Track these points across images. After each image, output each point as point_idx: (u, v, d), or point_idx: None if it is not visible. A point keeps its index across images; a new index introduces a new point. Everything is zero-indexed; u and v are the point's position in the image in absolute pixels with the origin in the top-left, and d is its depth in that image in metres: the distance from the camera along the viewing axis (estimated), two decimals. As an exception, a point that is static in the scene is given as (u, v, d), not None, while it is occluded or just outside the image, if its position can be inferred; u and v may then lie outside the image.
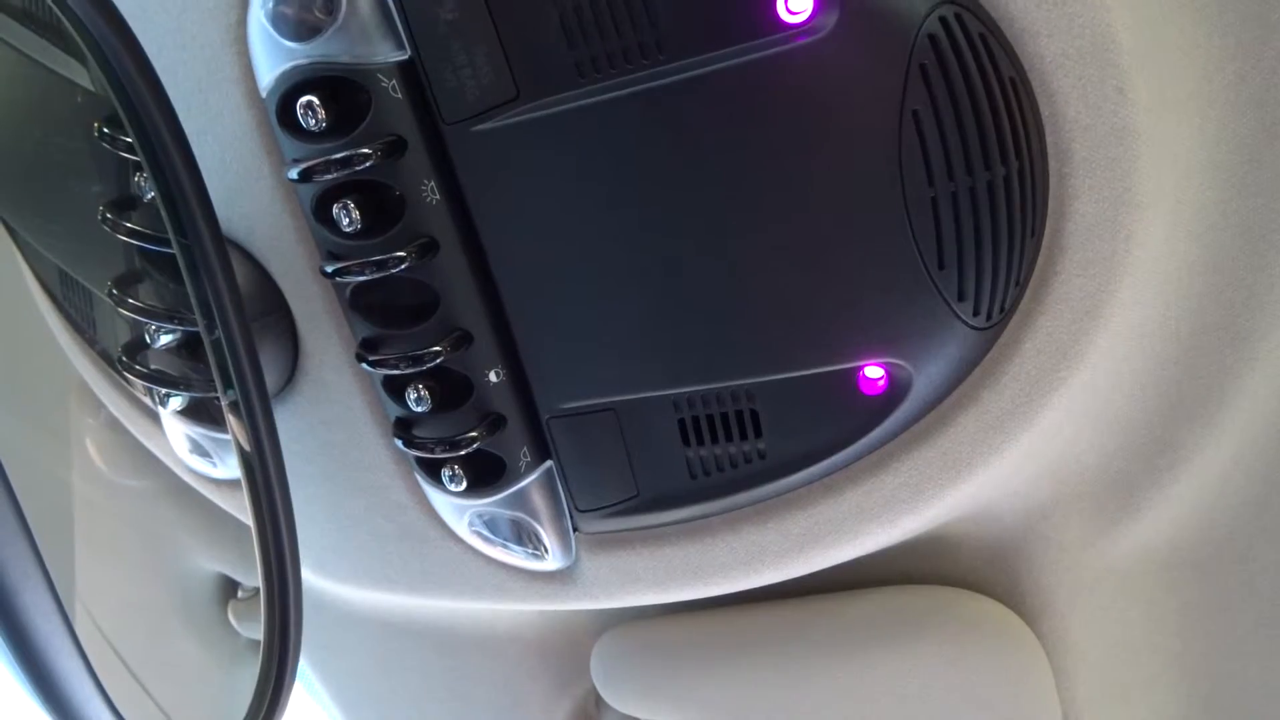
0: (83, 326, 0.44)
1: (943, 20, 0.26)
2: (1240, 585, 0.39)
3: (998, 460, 0.31)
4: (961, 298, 0.28)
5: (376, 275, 0.30)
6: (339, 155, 0.29)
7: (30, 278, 0.44)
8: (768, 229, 0.28)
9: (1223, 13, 0.29)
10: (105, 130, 0.35)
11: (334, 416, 0.38)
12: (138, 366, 0.38)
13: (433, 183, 0.30)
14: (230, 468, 0.44)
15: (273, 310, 0.37)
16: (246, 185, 0.34)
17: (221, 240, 0.31)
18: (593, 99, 0.28)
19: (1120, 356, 0.31)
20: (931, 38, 0.26)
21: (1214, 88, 0.30)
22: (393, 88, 0.30)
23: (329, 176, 0.30)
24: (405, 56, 0.29)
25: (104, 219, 0.35)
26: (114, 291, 0.36)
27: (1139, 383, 0.33)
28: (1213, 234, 0.31)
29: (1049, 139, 0.27)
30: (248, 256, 0.36)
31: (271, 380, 0.39)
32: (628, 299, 0.30)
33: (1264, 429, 0.36)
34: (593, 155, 0.29)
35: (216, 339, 0.32)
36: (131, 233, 0.34)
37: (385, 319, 0.33)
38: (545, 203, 0.30)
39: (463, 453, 0.33)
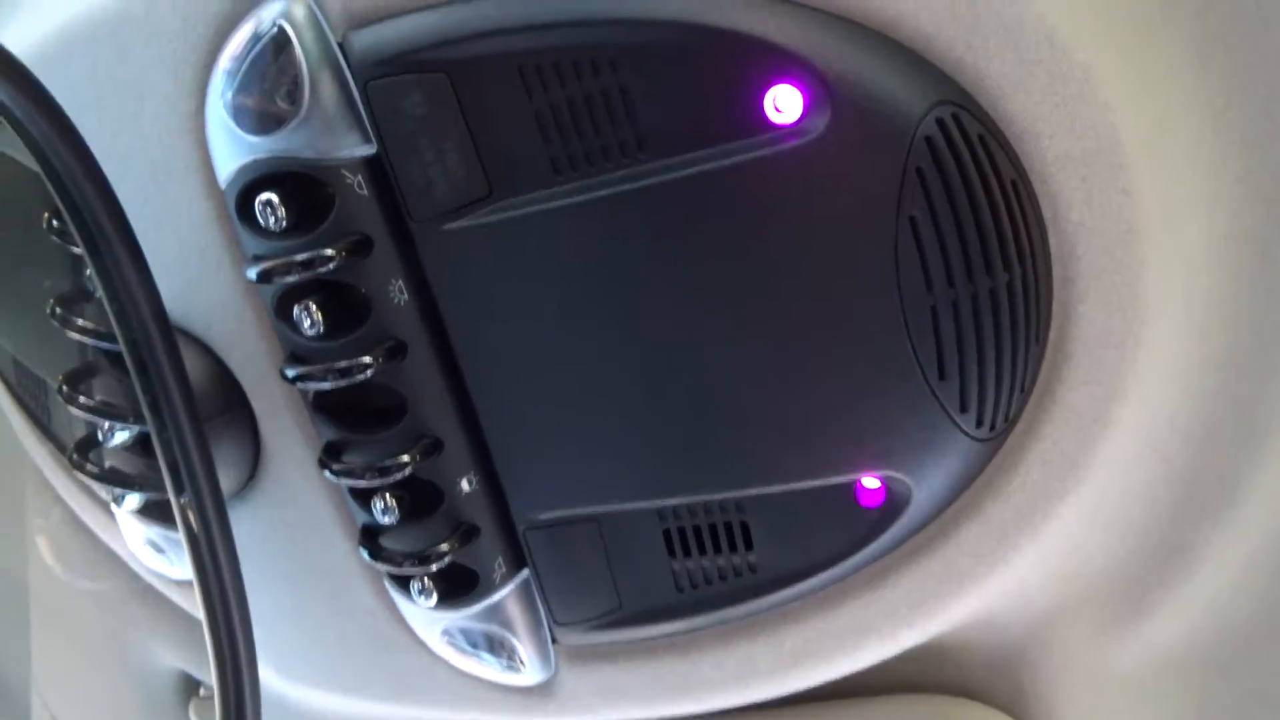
0: (38, 415, 0.42)
1: (940, 122, 0.24)
2: (1255, 688, 0.37)
3: (1002, 572, 0.30)
4: (964, 409, 0.26)
5: (340, 383, 0.28)
6: (301, 257, 0.27)
7: None
8: (757, 336, 0.27)
9: (1228, 108, 0.28)
10: (54, 222, 0.33)
11: (298, 518, 0.35)
12: (89, 466, 0.36)
13: (400, 282, 0.29)
14: (188, 567, 0.42)
15: (232, 406, 0.35)
16: (205, 278, 0.33)
17: (171, 338, 0.29)
18: (570, 199, 0.27)
19: (1129, 461, 0.30)
20: (929, 140, 0.24)
21: (1221, 183, 0.28)
22: (358, 184, 0.28)
23: (290, 279, 0.28)
24: (371, 151, 0.28)
25: (53, 314, 0.33)
26: (64, 388, 0.34)
27: (1148, 485, 0.32)
28: (1222, 331, 0.30)
29: (1052, 243, 0.26)
30: (206, 351, 0.34)
31: (231, 479, 0.37)
32: (608, 406, 0.29)
33: (1277, 527, 0.35)
34: (569, 256, 0.27)
35: (167, 439, 0.30)
36: (81, 330, 0.33)
37: (350, 422, 0.31)
38: (519, 304, 0.28)
39: (433, 567, 0.31)
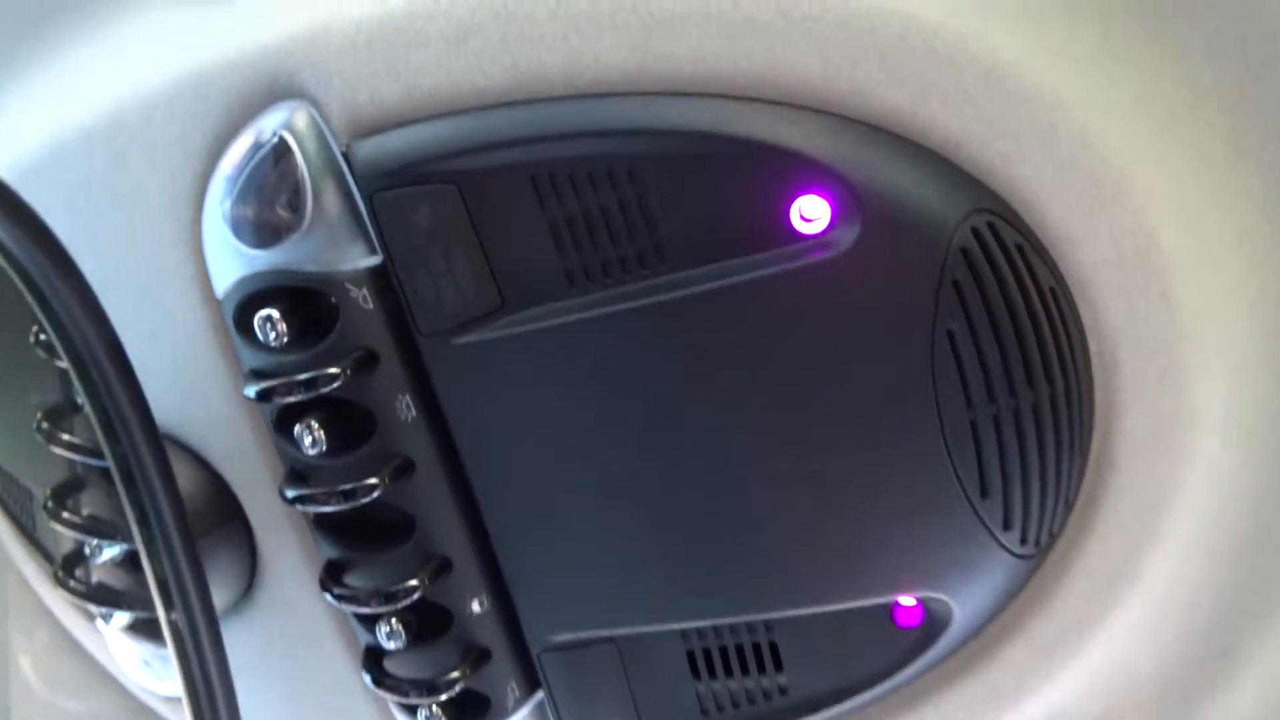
0: (22, 522, 0.41)
1: (975, 231, 0.23)
2: (1305, 793, 0.36)
3: (1046, 690, 0.28)
4: (1007, 526, 0.25)
5: (344, 506, 0.27)
6: (303, 377, 0.26)
7: None
8: (787, 454, 0.25)
9: (1268, 199, 0.27)
10: (41, 335, 0.32)
11: (297, 634, 0.34)
12: (75, 584, 0.34)
13: (407, 397, 0.27)
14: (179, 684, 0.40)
15: (228, 520, 0.33)
16: (200, 388, 0.31)
17: (162, 457, 0.28)
18: (586, 311, 0.25)
19: (1176, 570, 0.28)
20: (964, 251, 0.23)
21: (1265, 276, 0.28)
22: (363, 297, 0.27)
23: (291, 399, 0.27)
24: (376, 262, 0.27)
25: (39, 428, 0.32)
26: (49, 504, 0.33)
27: (1195, 592, 0.30)
28: (1270, 427, 0.29)
29: (1093, 350, 0.25)
30: (201, 462, 0.33)
31: (226, 593, 0.35)
32: (628, 525, 0.27)
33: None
34: (585, 371, 0.26)
35: (157, 557, 0.29)
36: (68, 446, 0.31)
37: (354, 540, 0.29)
38: (532, 420, 0.27)
39: (443, 696, 0.29)
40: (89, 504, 0.35)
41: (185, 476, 0.33)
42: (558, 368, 0.26)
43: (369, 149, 0.26)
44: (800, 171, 0.23)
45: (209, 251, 0.28)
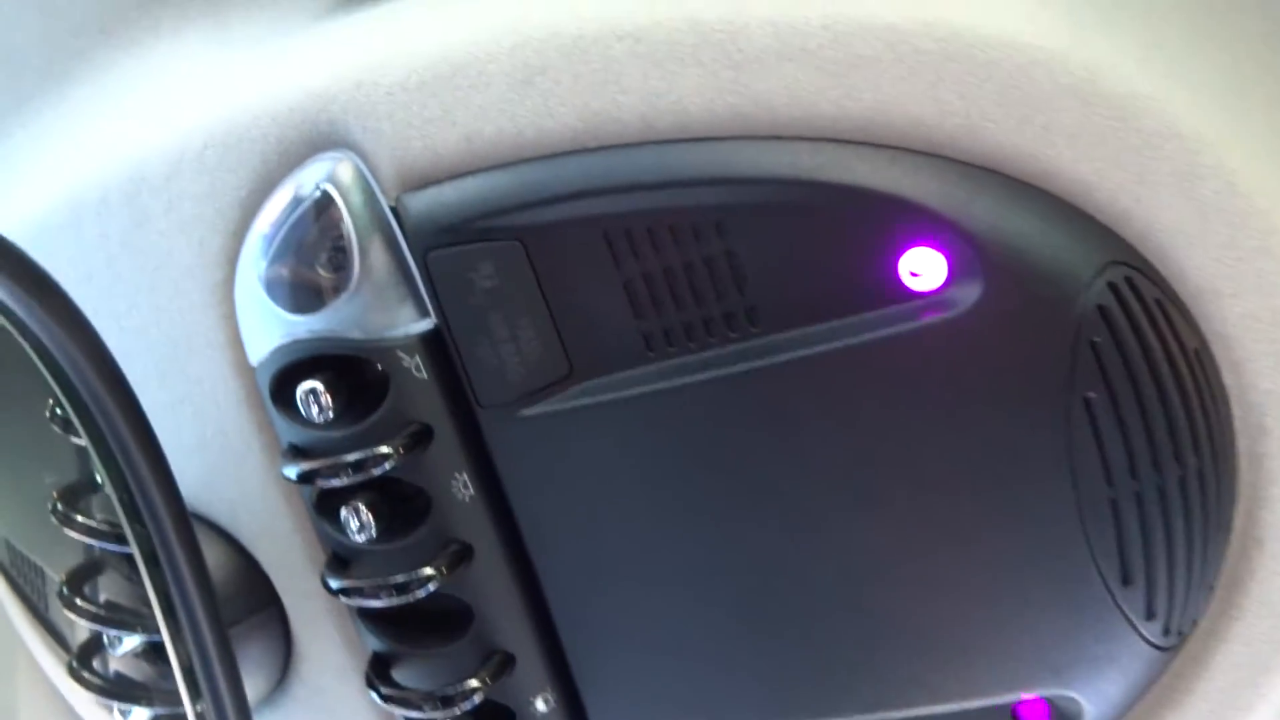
0: (34, 602, 0.38)
1: (1112, 286, 0.21)
2: None
3: None
4: (1150, 616, 0.22)
5: (397, 601, 0.24)
6: (351, 458, 0.23)
7: None
8: (897, 539, 0.22)
9: None
10: (58, 410, 0.29)
11: (336, 729, 0.31)
12: (89, 677, 0.31)
13: (465, 476, 0.25)
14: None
15: (261, 606, 0.31)
16: (231, 463, 0.29)
17: (192, 542, 0.25)
18: (666, 380, 0.23)
19: None
20: (1101, 308, 0.21)
21: None
22: (416, 365, 0.24)
23: (337, 482, 0.24)
24: (430, 327, 0.24)
25: (53, 509, 0.29)
26: (64, 591, 0.30)
27: None
28: None
29: (1236, 416, 0.22)
30: (231, 543, 0.30)
31: (258, 683, 0.32)
32: (711, 615, 0.24)
33: None
34: (664, 446, 0.23)
35: (184, 651, 0.26)
36: (86, 531, 0.29)
37: (404, 632, 0.26)
38: (604, 500, 0.24)
39: None
40: (108, 589, 0.32)
41: (213, 559, 0.30)
42: (633, 442, 0.23)
43: (422, 203, 0.23)
44: (911, 221, 0.21)
45: (242, 316, 0.26)
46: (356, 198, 0.24)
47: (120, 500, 0.25)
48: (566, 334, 0.23)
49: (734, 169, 0.21)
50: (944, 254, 0.21)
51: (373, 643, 0.27)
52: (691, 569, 0.24)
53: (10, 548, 0.37)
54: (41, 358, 0.23)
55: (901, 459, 0.22)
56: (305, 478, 0.24)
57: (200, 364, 0.27)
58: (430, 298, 0.24)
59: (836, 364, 0.22)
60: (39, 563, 0.35)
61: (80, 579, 0.30)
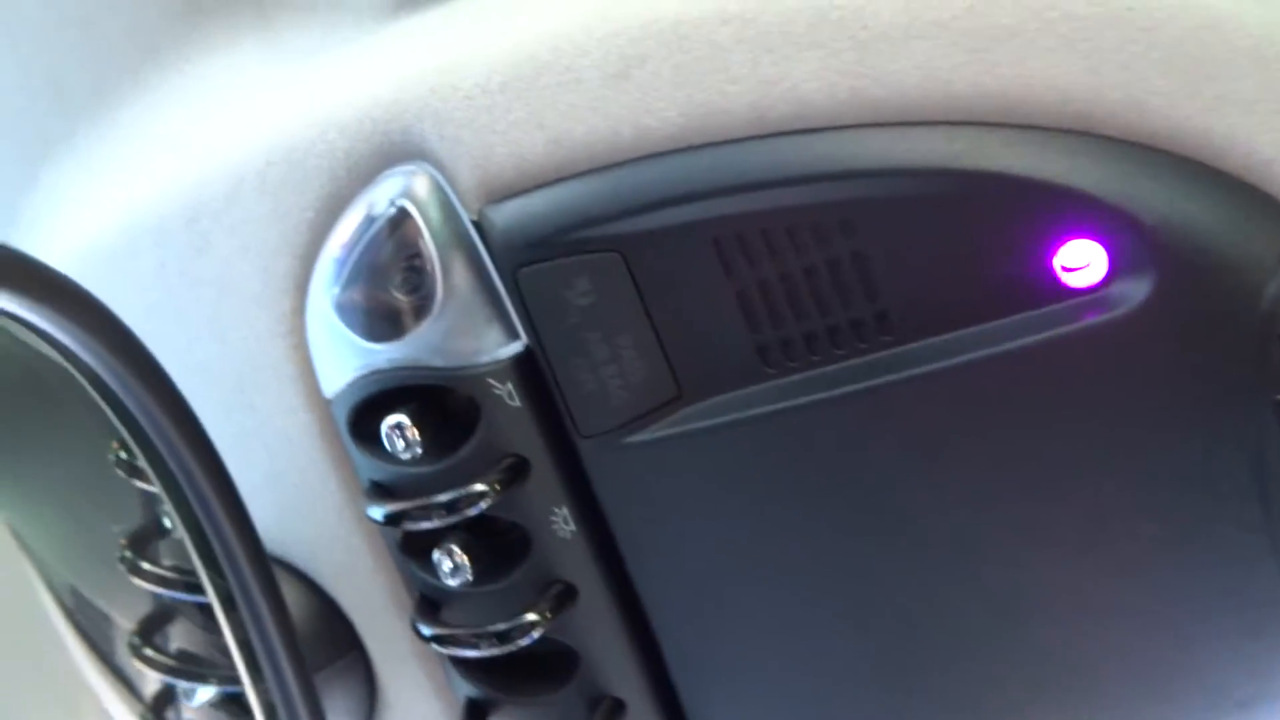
0: (102, 648, 0.37)
1: None
2: None
3: None
4: None
5: (498, 651, 0.22)
6: (444, 498, 0.21)
7: (46, 594, 0.36)
8: (1054, 568, 0.20)
9: None
10: (122, 454, 0.28)
11: (426, 780, 0.29)
12: (169, 732, 0.29)
13: (565, 510, 0.22)
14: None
15: (343, 652, 0.29)
16: (307, 503, 0.27)
17: (274, 587, 0.24)
18: (786, 400, 0.20)
19: None
20: None
21: None
22: (508, 393, 0.22)
23: (428, 524, 0.22)
24: (521, 350, 0.22)
25: (122, 559, 0.28)
26: (134, 641, 0.29)
27: None
28: None
29: None
30: (309, 585, 0.28)
31: (341, 731, 0.30)
32: (843, 657, 0.22)
33: None
34: (785, 472, 0.21)
35: (270, 704, 0.24)
36: (158, 580, 0.27)
37: (501, 679, 0.25)
38: (719, 533, 0.22)
39: None
40: (180, 637, 0.31)
41: (291, 602, 0.28)
42: (750, 469, 0.21)
43: (508, 215, 0.21)
44: (1065, 211, 0.18)
45: (315, 346, 0.24)
46: (435, 213, 0.22)
47: (196, 547, 0.24)
48: (673, 352, 0.21)
49: (860, 161, 0.19)
50: (1105, 246, 0.18)
51: (466, 689, 0.25)
52: (820, 608, 0.22)
53: (75, 594, 0.35)
54: (107, 401, 0.21)
55: (1062, 480, 0.19)
56: (393, 519, 0.22)
57: (270, 398, 0.26)
58: (521, 318, 0.22)
59: (983, 375, 0.19)
60: (105, 609, 0.34)
61: (151, 628, 0.28)
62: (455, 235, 0.22)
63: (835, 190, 0.19)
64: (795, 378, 0.20)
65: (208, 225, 0.25)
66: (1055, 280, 0.19)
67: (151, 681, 0.31)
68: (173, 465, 0.22)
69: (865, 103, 0.19)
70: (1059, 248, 0.19)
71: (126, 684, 0.35)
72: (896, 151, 0.19)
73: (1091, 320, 0.18)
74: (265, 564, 0.24)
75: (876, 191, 0.19)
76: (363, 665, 0.28)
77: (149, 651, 0.27)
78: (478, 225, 0.22)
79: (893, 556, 0.21)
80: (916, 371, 0.19)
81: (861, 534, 0.21)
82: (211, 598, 0.24)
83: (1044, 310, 0.19)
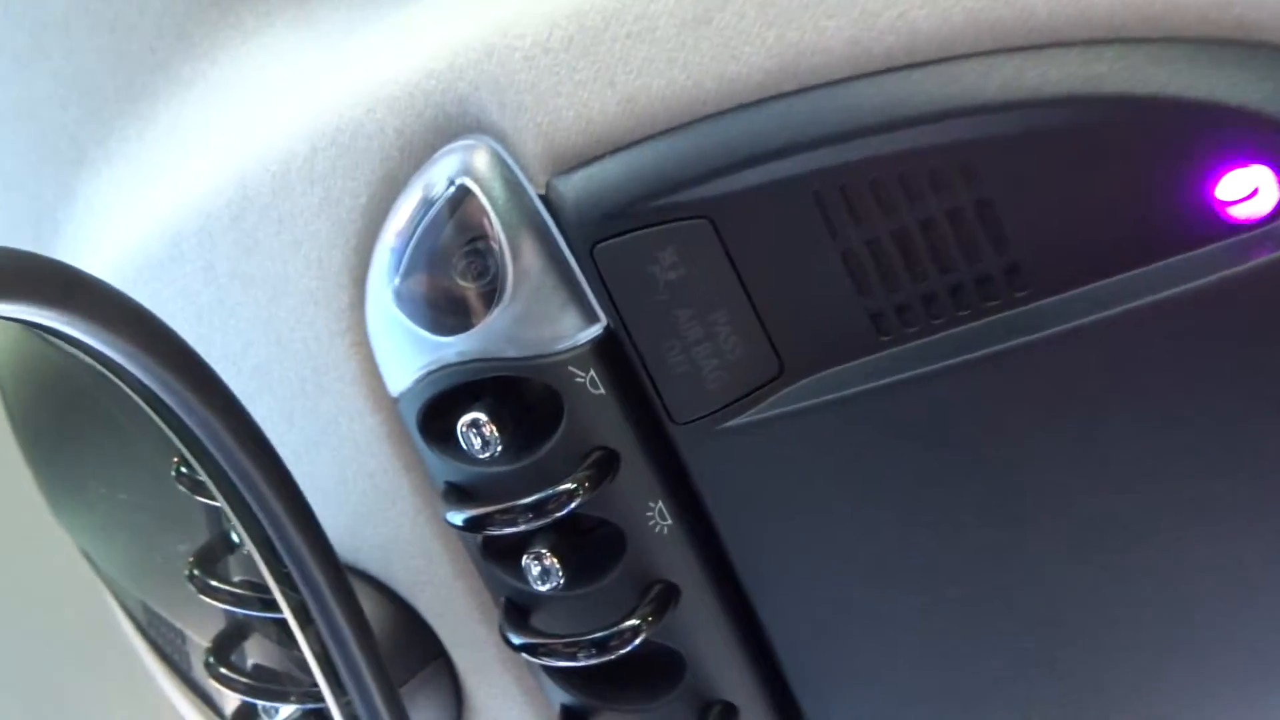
0: (178, 664, 0.35)
1: None
2: None
3: None
4: None
5: (597, 660, 0.20)
6: (529, 500, 0.19)
7: (120, 614, 0.35)
8: (1225, 554, 0.17)
9: None
10: (183, 469, 0.26)
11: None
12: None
13: (660, 505, 0.20)
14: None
15: (426, 661, 0.27)
16: (379, 509, 0.25)
17: (352, 601, 0.22)
18: (904, 370, 0.18)
19: None
20: None
21: None
22: (591, 380, 0.20)
23: (514, 530, 0.20)
24: (602, 332, 0.19)
25: (191, 577, 0.26)
26: (210, 660, 0.27)
27: None
28: None
29: None
30: (386, 594, 0.27)
31: (429, 742, 0.29)
32: (982, 656, 0.19)
33: None
34: (905, 452, 0.18)
35: (353, 717, 0.23)
36: (230, 598, 0.25)
37: (600, 686, 0.23)
38: (830, 521, 0.19)
39: None
40: (257, 653, 0.30)
41: (369, 613, 0.27)
42: (864, 450, 0.19)
43: (579, 186, 0.19)
44: (1228, 133, 0.16)
45: (377, 343, 0.22)
46: (499, 190, 0.20)
47: (265, 561, 0.22)
48: (773, 326, 0.19)
49: (983, 94, 0.16)
50: (1277, 171, 0.16)
51: (561, 696, 0.23)
52: (952, 601, 0.19)
53: (148, 611, 0.34)
54: (162, 415, 0.20)
55: (1232, 447, 0.17)
56: (474, 525, 0.20)
57: (333, 401, 0.24)
58: (601, 299, 0.19)
59: (1135, 330, 0.17)
60: (179, 625, 0.32)
61: (226, 646, 0.27)
62: (523, 212, 0.19)
63: (953, 130, 0.17)
64: (914, 345, 0.18)
65: (255, 221, 0.23)
66: (1217, 215, 0.16)
67: (231, 699, 0.30)
68: (235, 477, 0.20)
69: (986, 26, 0.16)
70: (1221, 177, 0.16)
71: (206, 700, 0.34)
72: (1025, 80, 0.16)
73: (1262, 259, 0.16)
74: (340, 574, 0.22)
75: (1002, 128, 0.16)
76: (448, 674, 0.27)
77: (225, 671, 0.26)
78: (546, 200, 0.19)
79: (1035, 542, 0.18)
80: (1056, 330, 0.17)
81: (997, 517, 0.18)
82: (286, 613, 0.22)
83: (1205, 250, 0.16)
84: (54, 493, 0.33)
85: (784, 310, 0.18)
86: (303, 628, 0.22)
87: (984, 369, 0.17)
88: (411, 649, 0.26)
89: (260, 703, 0.27)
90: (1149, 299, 0.16)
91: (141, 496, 0.28)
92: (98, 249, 0.26)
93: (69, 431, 0.30)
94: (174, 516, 0.27)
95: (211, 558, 0.26)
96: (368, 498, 0.25)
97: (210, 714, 0.34)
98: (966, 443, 0.18)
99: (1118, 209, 0.16)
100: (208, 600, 0.25)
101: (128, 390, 0.18)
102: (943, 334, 0.18)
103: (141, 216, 0.25)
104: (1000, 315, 0.17)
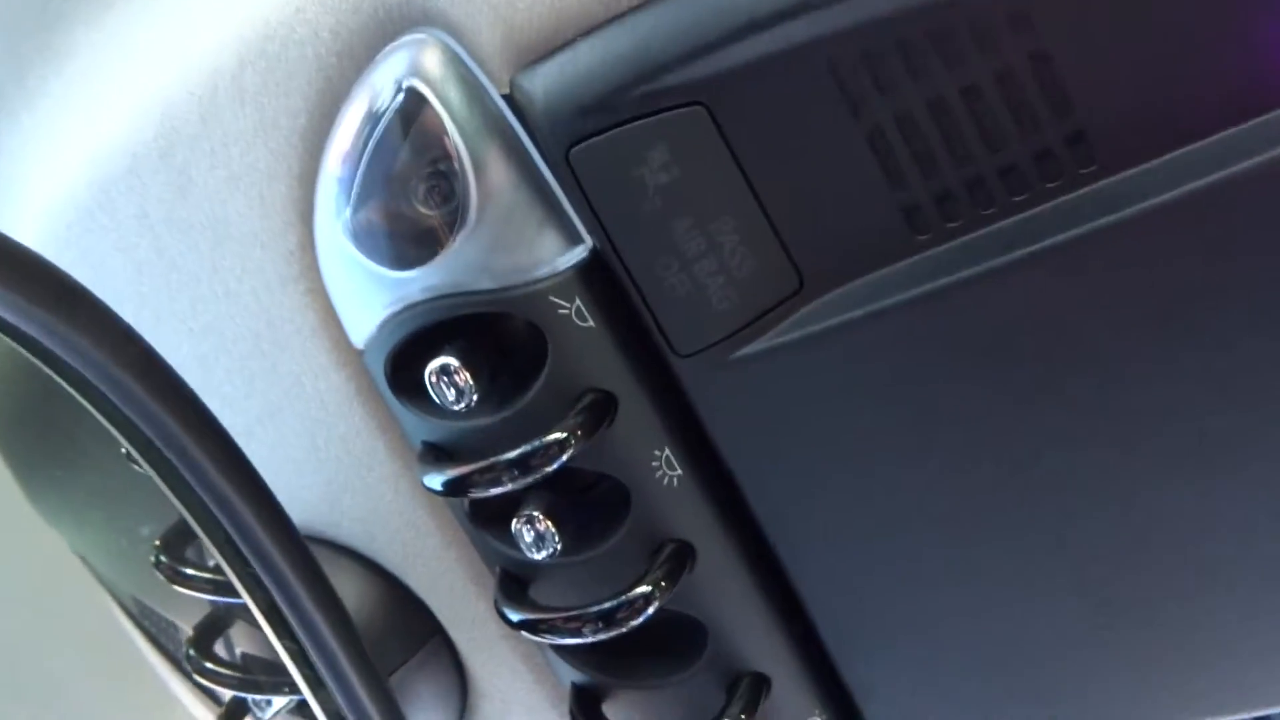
0: (174, 655, 0.33)
1: None
2: None
3: None
4: None
5: (604, 634, 0.17)
6: (511, 455, 0.16)
7: (116, 609, 0.33)
8: None
9: None
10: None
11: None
12: (246, 747, 0.26)
13: (667, 452, 0.17)
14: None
15: (423, 640, 0.25)
16: (355, 476, 0.22)
17: (317, 575, 0.19)
18: (946, 275, 0.14)
19: None
20: None
21: None
22: (577, 312, 0.17)
23: (499, 490, 0.18)
24: (586, 253, 0.16)
25: (156, 564, 0.24)
26: (191, 653, 0.25)
27: None
28: None
29: None
30: (372, 569, 0.24)
31: (435, 723, 0.27)
32: (1030, 606, 0.16)
33: None
34: (954, 372, 0.15)
35: (332, 705, 0.20)
36: (195, 585, 0.23)
37: (614, 660, 0.20)
38: (866, 458, 0.16)
39: None
40: (244, 640, 0.27)
41: (354, 591, 0.24)
42: (905, 373, 0.15)
43: (548, 80, 0.16)
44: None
45: (333, 287, 0.19)
46: (455, 91, 0.16)
47: (218, 548, 0.19)
48: (788, 232, 0.15)
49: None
50: None
51: (571, 674, 0.21)
52: (1008, 547, 0.16)
53: (138, 604, 0.32)
54: (69, 379, 0.17)
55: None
56: (455, 487, 0.17)
57: (292, 358, 0.21)
58: (583, 214, 0.16)
59: (1228, 207, 0.13)
60: (167, 616, 0.30)
61: (207, 637, 0.25)
62: (484, 116, 0.16)
63: None
64: (958, 244, 0.15)
65: (185, 156, 0.20)
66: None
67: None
68: (160, 444, 0.18)
69: None
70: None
71: (203, 689, 0.32)
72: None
73: None
74: (305, 556, 0.19)
75: None
76: (448, 651, 0.24)
77: (209, 665, 0.24)
78: (511, 100, 0.16)
79: (1107, 475, 0.15)
80: (1132, 211, 0.14)
81: (1063, 446, 0.15)
82: (251, 607, 0.20)
83: None
84: (27, 481, 0.31)
85: (800, 211, 0.15)
86: (271, 622, 0.20)
87: (1046, 266, 0.14)
88: (405, 628, 0.24)
89: (250, 696, 0.24)
90: (1241, 168, 0.13)
91: (108, 481, 0.26)
92: (26, 204, 0.23)
93: (27, 414, 0.28)
94: (140, 500, 0.25)
95: (179, 542, 0.23)
96: (343, 464, 0.22)
97: (212, 704, 0.32)
98: (1029, 358, 0.15)
99: (1199, 62, 0.13)
100: (178, 589, 0.23)
101: (28, 354, 0.15)
102: (993, 227, 0.15)
103: (67, 163, 0.22)
104: (1064, 198, 0.14)
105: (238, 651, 0.26)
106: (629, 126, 0.15)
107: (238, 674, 0.24)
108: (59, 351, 0.14)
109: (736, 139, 0.15)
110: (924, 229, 0.15)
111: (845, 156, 0.15)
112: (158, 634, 0.33)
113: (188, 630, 0.29)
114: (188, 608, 0.28)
